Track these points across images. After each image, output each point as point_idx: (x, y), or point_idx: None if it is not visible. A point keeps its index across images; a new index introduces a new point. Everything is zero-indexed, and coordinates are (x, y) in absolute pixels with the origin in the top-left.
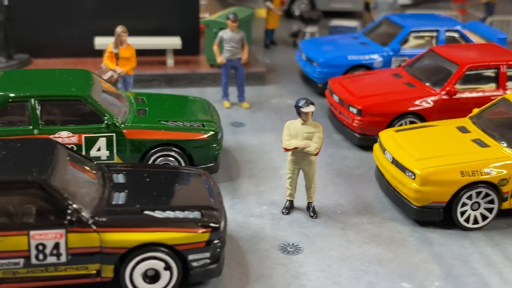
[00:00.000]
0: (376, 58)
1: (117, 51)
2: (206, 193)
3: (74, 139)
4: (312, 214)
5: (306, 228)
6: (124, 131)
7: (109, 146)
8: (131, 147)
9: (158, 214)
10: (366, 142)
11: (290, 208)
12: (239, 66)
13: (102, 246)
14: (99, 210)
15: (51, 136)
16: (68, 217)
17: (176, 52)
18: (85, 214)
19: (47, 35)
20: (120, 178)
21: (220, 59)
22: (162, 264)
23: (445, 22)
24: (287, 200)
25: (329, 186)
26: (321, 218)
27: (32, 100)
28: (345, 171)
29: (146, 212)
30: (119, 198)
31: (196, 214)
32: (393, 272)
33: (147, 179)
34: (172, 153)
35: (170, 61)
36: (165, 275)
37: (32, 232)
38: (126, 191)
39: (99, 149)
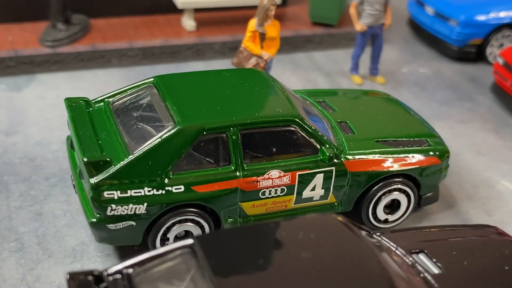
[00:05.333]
0: None
1: (263, 30)
2: None
3: (286, 179)
4: None
5: None
6: (346, 162)
7: (324, 183)
8: (351, 182)
9: None
10: None
11: None
12: (379, 34)
13: None
14: None
15: (259, 179)
16: None
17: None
18: None
19: None
20: (429, 264)
21: (360, 25)
22: None
23: None
24: None
25: None
26: None
27: (232, 130)
28: None
29: None
30: None
31: None
32: None
33: (465, 262)
34: (398, 186)
35: None
36: None
37: None
38: None
39: (313, 189)
